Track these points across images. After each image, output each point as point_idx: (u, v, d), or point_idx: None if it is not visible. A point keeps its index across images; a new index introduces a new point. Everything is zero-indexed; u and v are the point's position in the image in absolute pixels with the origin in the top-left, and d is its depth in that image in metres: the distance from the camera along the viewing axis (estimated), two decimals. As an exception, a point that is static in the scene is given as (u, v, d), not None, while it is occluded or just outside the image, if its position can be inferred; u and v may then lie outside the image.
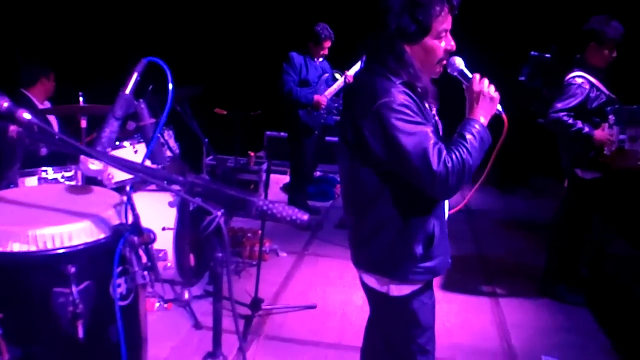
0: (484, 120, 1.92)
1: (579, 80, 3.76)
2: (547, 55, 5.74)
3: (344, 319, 3.68)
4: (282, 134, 7.16)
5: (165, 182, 1.20)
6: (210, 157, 5.84)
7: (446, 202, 2.08)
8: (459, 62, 1.98)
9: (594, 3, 4.79)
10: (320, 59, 5.47)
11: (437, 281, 4.28)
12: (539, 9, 7.19)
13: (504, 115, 1.99)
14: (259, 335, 3.42)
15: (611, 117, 3.69)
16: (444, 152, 1.77)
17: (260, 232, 4.61)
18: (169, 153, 3.68)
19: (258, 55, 7.44)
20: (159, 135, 3.69)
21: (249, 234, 4.58)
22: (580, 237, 4.14)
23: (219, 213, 1.16)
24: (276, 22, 7.59)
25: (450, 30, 1.89)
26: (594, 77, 3.77)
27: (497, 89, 1.96)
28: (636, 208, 5.09)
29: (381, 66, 1.86)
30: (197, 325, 3.43)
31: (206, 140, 3.72)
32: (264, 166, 6.09)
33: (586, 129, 3.68)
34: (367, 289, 2.11)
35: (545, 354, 3.33)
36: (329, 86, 5.47)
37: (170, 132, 3.98)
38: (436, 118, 2.01)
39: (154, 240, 1.46)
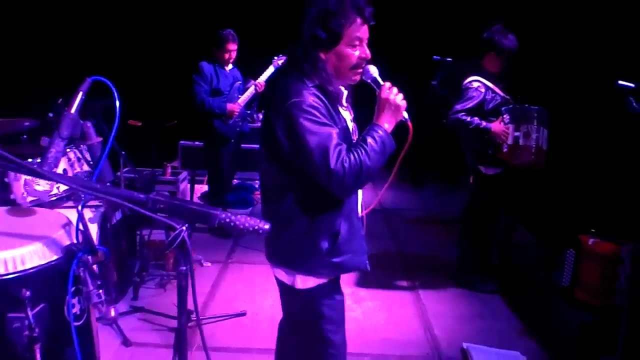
0: (388, 126, 2.03)
1: (476, 84, 4.06)
2: (449, 60, 6.09)
3: (274, 323, 3.70)
4: (196, 143, 7.09)
5: (126, 200, 1.21)
6: (126, 170, 5.69)
7: (359, 203, 2.21)
8: (373, 70, 2.09)
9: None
10: (230, 66, 5.47)
11: (361, 279, 4.46)
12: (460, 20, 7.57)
13: (409, 123, 2.09)
14: (191, 346, 3.39)
15: (506, 116, 4.00)
16: (344, 153, 1.89)
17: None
18: (86, 167, 3.58)
19: (171, 65, 7.33)
20: (76, 150, 3.58)
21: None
22: (488, 229, 4.45)
23: (184, 228, 1.20)
24: (189, 31, 7.51)
25: (370, 40, 2.01)
26: (489, 81, 4.09)
27: (406, 97, 2.05)
28: (535, 199, 5.51)
29: (296, 70, 1.99)
30: (126, 343, 3.37)
31: (123, 153, 3.65)
32: (181, 176, 6.01)
33: (484, 123, 3.98)
34: (278, 283, 2.24)
35: (465, 341, 3.54)
36: (241, 94, 5.50)
37: (85, 147, 3.86)
38: (348, 122, 2.11)
39: (108, 258, 1.45)
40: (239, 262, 4.81)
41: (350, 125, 2.15)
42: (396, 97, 2.04)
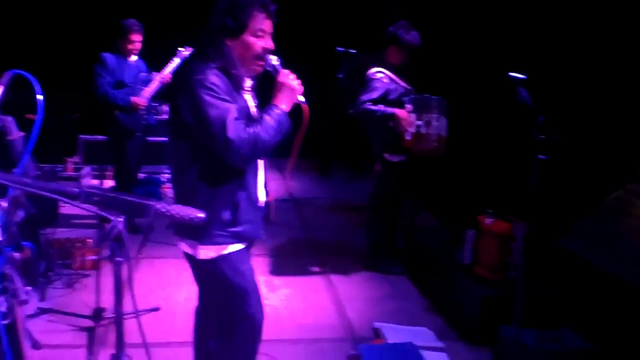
0: (285, 106, 2.22)
1: (379, 75, 4.25)
2: (353, 51, 6.27)
3: (190, 316, 3.72)
4: (98, 137, 6.83)
5: (59, 194, 1.20)
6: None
7: (260, 180, 2.37)
8: (273, 58, 2.28)
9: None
10: (135, 58, 5.32)
11: (274, 268, 4.54)
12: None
13: (304, 105, 2.28)
14: (105, 345, 3.34)
15: (408, 106, 4.22)
16: (242, 126, 2.07)
17: (89, 241, 4.47)
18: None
19: (72, 58, 6.98)
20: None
21: (78, 244, 4.38)
22: (394, 214, 4.68)
23: (119, 219, 1.21)
24: (91, 20, 7.19)
25: (276, 35, 2.22)
26: (391, 73, 4.28)
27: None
28: (436, 185, 5.83)
29: (202, 54, 2.17)
30: (36, 345, 3.24)
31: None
32: (83, 171, 5.80)
33: (390, 110, 4.17)
34: (186, 257, 2.35)
35: (376, 321, 3.72)
36: (146, 86, 5.36)
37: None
38: (251, 107, 2.29)
39: (35, 254, 1.42)
40: (150, 258, 4.74)
41: (253, 109, 2.31)
42: (292, 81, 2.24)
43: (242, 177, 2.24)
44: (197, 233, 2.21)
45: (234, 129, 2.04)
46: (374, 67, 4.32)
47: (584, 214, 2.15)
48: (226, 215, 2.21)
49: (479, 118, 5.02)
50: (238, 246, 2.30)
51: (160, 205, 1.31)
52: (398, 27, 4.26)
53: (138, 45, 5.15)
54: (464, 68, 5.44)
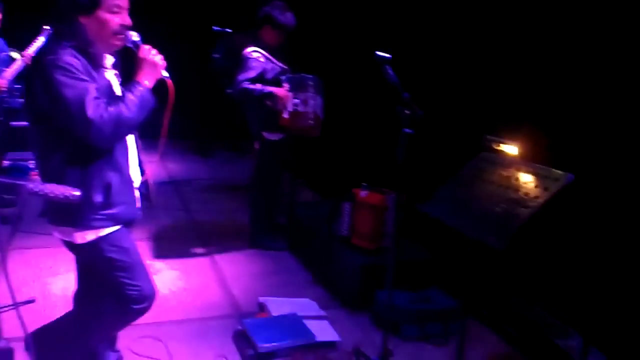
0: (148, 83, 2.19)
1: (255, 55, 4.30)
2: (229, 30, 6.23)
3: (69, 304, 3.60)
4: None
5: None
6: None
7: (133, 159, 2.33)
8: (133, 34, 2.24)
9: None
10: (-7, 38, 4.96)
11: (156, 252, 4.48)
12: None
13: (168, 80, 2.27)
14: (-25, 342, 3.14)
15: (285, 85, 4.32)
16: (102, 105, 2.01)
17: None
18: None
19: None
20: None
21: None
22: (275, 191, 4.78)
23: None
24: None
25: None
26: (267, 52, 4.35)
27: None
28: (315, 162, 6.01)
29: (56, 34, 2.11)
30: None
31: None
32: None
33: (268, 88, 4.24)
34: (65, 244, 2.31)
35: (261, 296, 3.82)
36: (7, 67, 5.01)
37: None
38: (114, 85, 2.24)
39: None
40: (20, 248, 4.48)
41: (117, 88, 2.25)
42: (154, 56, 2.21)
43: (112, 158, 2.19)
44: (72, 218, 2.17)
45: (94, 109, 1.98)
46: (249, 46, 4.35)
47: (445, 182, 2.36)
48: (98, 197, 2.16)
49: (351, 96, 5.23)
50: (115, 227, 2.26)
51: (32, 185, 1.28)
52: (273, 7, 4.31)
53: None
54: (336, 48, 5.62)
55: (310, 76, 4.36)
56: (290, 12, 4.35)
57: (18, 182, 1.27)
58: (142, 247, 4.46)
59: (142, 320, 3.28)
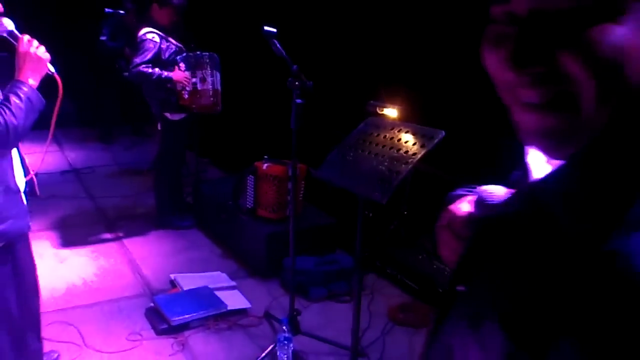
0: (33, 81, 1.94)
1: (150, 36, 4.29)
2: (122, 12, 6.11)
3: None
4: None
5: None
6: None
7: (16, 163, 2.12)
8: (7, 22, 1.99)
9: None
10: None
11: (61, 241, 4.41)
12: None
13: (56, 76, 2.04)
14: None
15: (182, 65, 4.35)
16: None
17: None
18: None
19: None
20: None
21: None
22: (179, 170, 4.83)
23: None
24: None
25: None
26: (162, 32, 4.35)
27: (48, 50, 1.99)
28: (219, 140, 6.06)
29: None
30: None
31: None
32: None
33: (165, 73, 4.26)
34: None
35: (172, 273, 3.89)
36: None
37: None
38: None
39: None
40: None
41: None
42: (37, 49, 1.96)
43: None
44: None
45: None
46: (143, 27, 4.33)
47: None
48: None
49: (246, 72, 5.33)
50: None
51: None
52: None
53: None
54: (229, 23, 5.69)
55: (207, 53, 4.40)
56: None
57: None
58: (46, 237, 4.40)
59: (51, 307, 3.32)
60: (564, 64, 0.54)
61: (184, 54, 4.40)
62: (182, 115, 4.51)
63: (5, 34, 1.98)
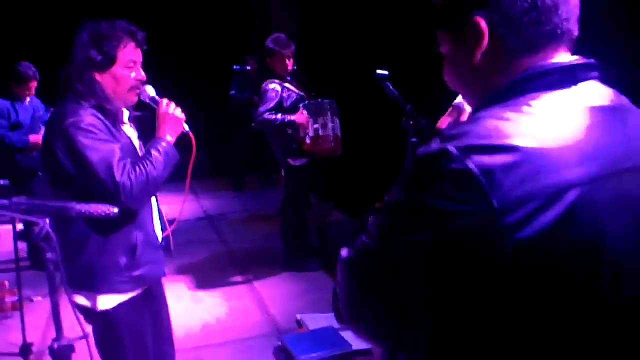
0: (170, 138, 2.14)
1: (272, 86, 4.57)
2: (248, 68, 6.57)
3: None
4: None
5: None
6: None
7: (155, 216, 2.29)
8: (149, 89, 2.23)
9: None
10: (28, 99, 5.32)
11: (198, 282, 4.71)
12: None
13: (190, 134, 2.25)
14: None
15: (304, 112, 4.56)
16: (129, 166, 1.96)
17: (6, 283, 4.47)
18: None
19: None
20: None
21: (-6, 288, 4.36)
22: (304, 214, 4.99)
23: (47, 221, 1.40)
24: None
25: (145, 64, 2.16)
26: (283, 82, 4.61)
27: (184, 111, 2.21)
28: (341, 184, 6.21)
29: (72, 93, 2.04)
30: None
31: None
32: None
33: (289, 117, 4.48)
34: (81, 311, 2.10)
35: (299, 313, 3.99)
36: (44, 124, 5.37)
37: None
38: (133, 140, 2.21)
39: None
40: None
41: (137, 142, 2.24)
42: (175, 111, 2.18)
43: (135, 216, 2.11)
44: (96, 283, 2.07)
45: (122, 172, 1.93)
46: (265, 79, 4.63)
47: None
48: (123, 260, 2.08)
49: (361, 114, 5.45)
50: (138, 291, 2.19)
51: (79, 206, 1.51)
52: (268, 40, 4.63)
53: (33, 90, 5.16)
54: (347, 70, 5.89)
55: (327, 100, 4.60)
56: (283, 35, 4.64)
57: (67, 204, 1.50)
58: (183, 280, 4.72)
59: (186, 345, 3.54)
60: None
61: (306, 102, 4.61)
62: (304, 161, 4.70)
63: (148, 100, 2.22)
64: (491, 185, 0.79)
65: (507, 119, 0.84)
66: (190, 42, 8.06)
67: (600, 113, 0.89)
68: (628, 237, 0.86)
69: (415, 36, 4.64)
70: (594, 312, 0.85)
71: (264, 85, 4.60)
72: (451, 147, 0.82)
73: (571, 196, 0.81)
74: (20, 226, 6.15)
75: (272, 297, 4.38)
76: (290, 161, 4.70)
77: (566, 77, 0.90)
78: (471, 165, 0.79)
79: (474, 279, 0.82)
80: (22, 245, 5.98)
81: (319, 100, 4.62)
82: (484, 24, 0.90)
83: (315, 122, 4.54)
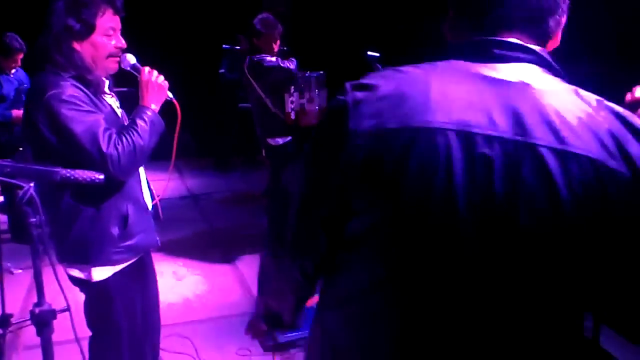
0: (155, 106, 2.11)
1: (268, 58, 4.50)
2: (237, 48, 6.50)
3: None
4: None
5: None
6: None
7: (144, 185, 2.29)
8: (130, 57, 2.19)
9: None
10: (14, 70, 5.21)
11: (179, 259, 4.70)
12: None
13: (174, 101, 2.23)
14: (17, 348, 3.38)
15: (291, 87, 4.53)
16: (115, 136, 1.93)
17: (-14, 255, 4.42)
18: None
19: None
20: None
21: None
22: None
23: (31, 185, 1.38)
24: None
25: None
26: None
27: (167, 79, 2.18)
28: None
29: (50, 64, 1.97)
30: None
31: None
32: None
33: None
34: (74, 283, 2.17)
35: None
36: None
37: None
38: (115, 109, 2.19)
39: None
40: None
41: (119, 111, 2.21)
42: (157, 78, 2.15)
43: (125, 187, 2.10)
44: (89, 254, 2.07)
45: (109, 142, 1.90)
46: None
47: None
48: (115, 230, 2.07)
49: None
50: (133, 259, 2.20)
51: (64, 171, 1.49)
52: (255, 20, 4.54)
53: (19, 62, 5.05)
54: (332, 50, 5.87)
55: (315, 74, 4.56)
56: (270, 16, 4.57)
57: (52, 168, 1.47)
58: (167, 257, 4.70)
59: (169, 320, 3.54)
60: None
61: (298, 74, 4.57)
62: (287, 139, 4.65)
63: (129, 68, 2.18)
64: (354, 113, 1.01)
65: (401, 70, 1.06)
66: (179, 21, 7.96)
67: (481, 81, 1.00)
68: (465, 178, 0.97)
69: (406, 20, 4.66)
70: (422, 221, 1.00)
71: (256, 59, 4.50)
72: (348, 84, 1.06)
73: (409, 132, 0.97)
74: (0, 198, 6.07)
75: (254, 277, 4.38)
76: (270, 141, 4.65)
77: (476, 51, 1.04)
78: (348, 98, 1.03)
79: (345, 192, 1.04)
80: (3, 218, 5.92)
81: (307, 74, 4.59)
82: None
83: (301, 97, 4.51)
